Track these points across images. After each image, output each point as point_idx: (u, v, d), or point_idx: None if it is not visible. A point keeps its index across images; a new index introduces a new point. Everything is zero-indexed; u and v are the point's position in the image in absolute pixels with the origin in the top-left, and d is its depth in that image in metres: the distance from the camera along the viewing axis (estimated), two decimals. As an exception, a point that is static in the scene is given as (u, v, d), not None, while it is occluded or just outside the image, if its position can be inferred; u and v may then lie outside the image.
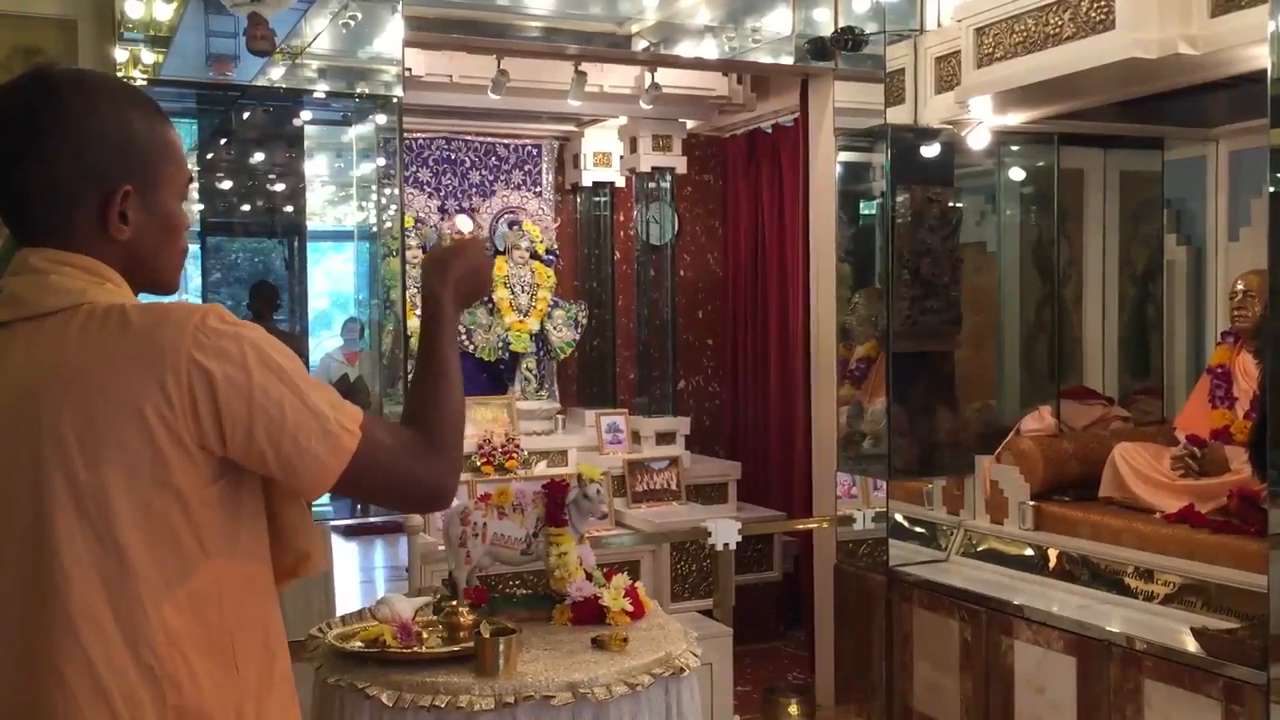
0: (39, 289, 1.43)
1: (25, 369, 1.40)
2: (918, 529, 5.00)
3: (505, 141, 6.55)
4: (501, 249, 6.34)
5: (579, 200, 6.78)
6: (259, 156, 4.44)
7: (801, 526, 5.55)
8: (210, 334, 1.39)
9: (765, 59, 5.21)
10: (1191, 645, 3.53)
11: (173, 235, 1.54)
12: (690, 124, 6.57)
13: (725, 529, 4.50)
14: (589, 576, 3.07)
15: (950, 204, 5.00)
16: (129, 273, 1.49)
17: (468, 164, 6.47)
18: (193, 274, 4.30)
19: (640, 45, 5.10)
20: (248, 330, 1.43)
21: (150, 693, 1.37)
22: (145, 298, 1.53)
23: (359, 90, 4.48)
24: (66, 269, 1.43)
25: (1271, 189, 3.28)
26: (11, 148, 1.43)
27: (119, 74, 3.97)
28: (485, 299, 1.69)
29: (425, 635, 2.83)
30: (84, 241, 1.45)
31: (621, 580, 3.06)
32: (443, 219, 6.27)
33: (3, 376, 1.42)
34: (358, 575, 5.08)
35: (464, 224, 1.78)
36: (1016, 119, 4.77)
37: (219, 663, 1.42)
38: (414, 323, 5.85)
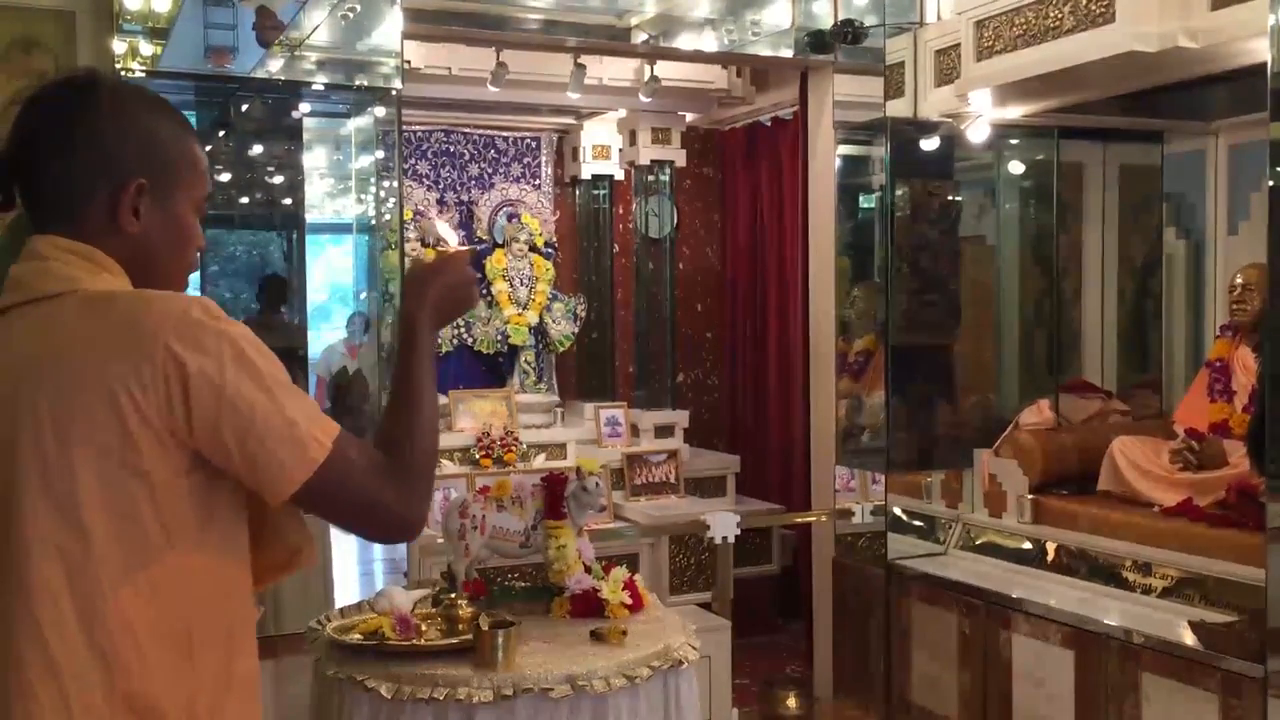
0: (38, 275, 1.46)
1: (15, 351, 1.43)
2: (916, 522, 5.01)
3: (504, 134, 6.54)
4: (500, 242, 6.33)
5: (578, 193, 6.77)
6: (257, 149, 4.43)
7: (800, 520, 5.55)
8: (191, 326, 1.39)
9: (765, 52, 5.20)
10: (1189, 638, 3.53)
11: (182, 242, 1.55)
12: (689, 117, 6.56)
13: (724, 522, 4.51)
14: (588, 569, 3.07)
15: (949, 197, 5.00)
16: (132, 270, 1.50)
17: (466, 157, 6.47)
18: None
19: (639, 38, 5.09)
20: (231, 327, 1.42)
21: (100, 675, 1.38)
22: None
23: (358, 83, 4.47)
24: (69, 257, 1.46)
25: (1271, 183, 3.28)
26: (39, 131, 1.49)
27: (117, 66, 3.97)
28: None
29: (424, 628, 2.83)
30: (93, 231, 1.48)
31: (620, 573, 3.06)
32: (440, 212, 6.27)
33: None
34: (356, 567, 5.07)
35: (448, 234, 1.72)
36: (1016, 112, 4.77)
37: (174, 653, 1.41)
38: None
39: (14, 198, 1.52)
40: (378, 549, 5.16)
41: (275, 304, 4.46)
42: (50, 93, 1.52)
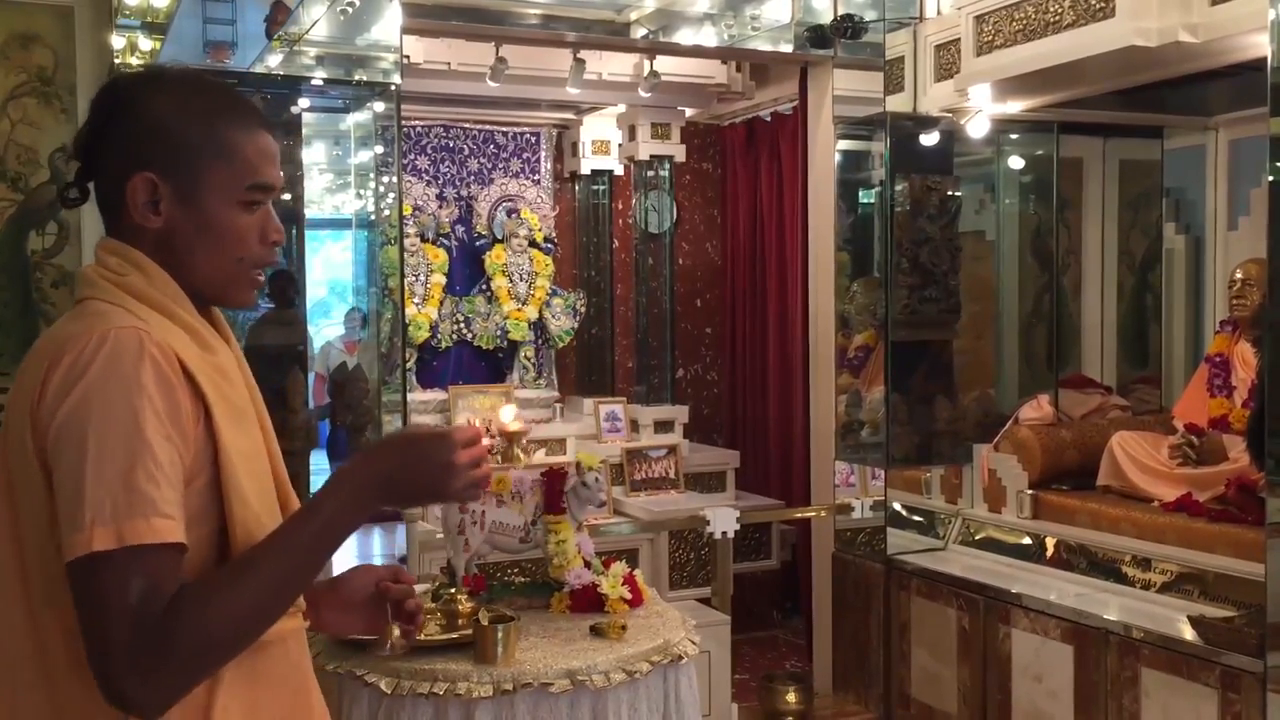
0: (80, 278, 1.44)
1: None
2: (916, 518, 5.01)
3: (504, 129, 6.53)
4: (500, 237, 6.33)
5: (577, 188, 6.76)
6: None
7: (799, 515, 5.56)
8: (81, 356, 1.30)
9: (764, 47, 5.20)
10: (1189, 634, 3.53)
11: (214, 240, 1.43)
12: (689, 112, 6.55)
13: (723, 517, 4.51)
14: (587, 564, 3.07)
15: (949, 192, 5.00)
16: (171, 269, 1.43)
17: (466, 152, 6.46)
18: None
19: (639, 33, 5.08)
20: (99, 374, 1.29)
21: (43, 683, 1.35)
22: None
23: (357, 78, 4.46)
24: (109, 259, 1.42)
25: (1271, 178, 3.28)
26: (88, 129, 1.45)
27: (115, 61, 3.96)
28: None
29: (424, 623, 2.83)
30: (126, 229, 1.43)
31: (620, 568, 3.06)
32: (440, 207, 6.26)
33: None
34: (355, 563, 5.09)
35: (507, 413, 1.45)
36: (1016, 107, 4.77)
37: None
38: (412, 310, 5.85)
39: (88, 193, 1.47)
40: (377, 544, 5.16)
41: (285, 301, 4.46)
42: (101, 90, 1.47)
